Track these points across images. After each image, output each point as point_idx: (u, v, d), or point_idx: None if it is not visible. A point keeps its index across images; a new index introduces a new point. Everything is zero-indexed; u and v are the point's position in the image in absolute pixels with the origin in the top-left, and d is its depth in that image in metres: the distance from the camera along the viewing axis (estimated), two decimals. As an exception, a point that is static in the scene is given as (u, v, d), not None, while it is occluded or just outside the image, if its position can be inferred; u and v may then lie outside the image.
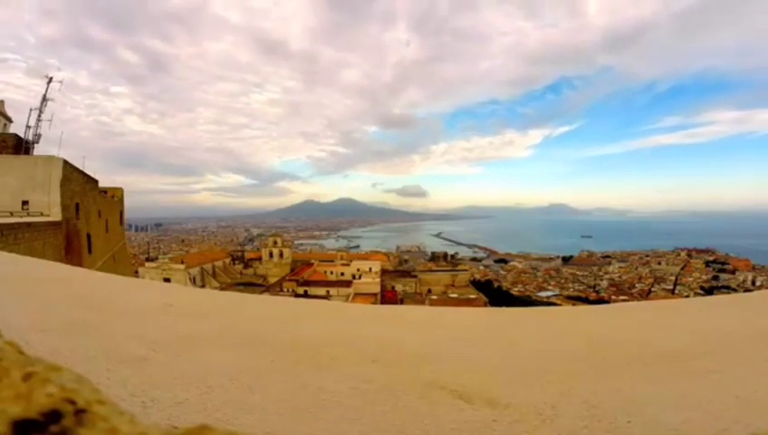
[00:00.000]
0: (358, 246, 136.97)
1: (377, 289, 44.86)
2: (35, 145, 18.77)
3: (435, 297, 45.07)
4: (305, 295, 39.20)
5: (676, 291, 66.31)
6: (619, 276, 79.23)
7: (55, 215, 14.32)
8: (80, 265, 14.01)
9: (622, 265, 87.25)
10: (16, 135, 18.76)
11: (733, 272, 74.03)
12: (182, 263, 55.61)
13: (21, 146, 18.14)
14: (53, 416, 0.34)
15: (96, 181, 21.67)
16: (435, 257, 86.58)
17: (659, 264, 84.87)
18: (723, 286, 64.85)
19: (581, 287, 74.36)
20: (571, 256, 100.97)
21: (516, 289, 70.89)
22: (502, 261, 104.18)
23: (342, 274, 54.44)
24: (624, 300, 49.40)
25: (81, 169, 18.33)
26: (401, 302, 40.59)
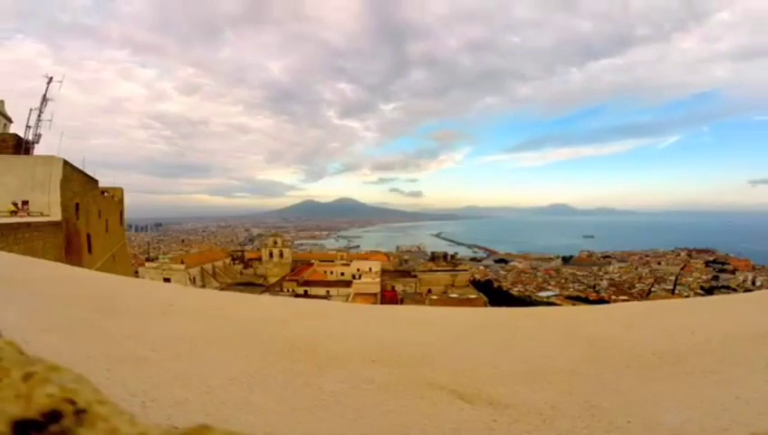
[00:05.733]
0: (358, 247, 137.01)
1: (377, 289, 44.86)
2: (35, 145, 18.78)
3: (435, 297, 45.07)
4: (305, 295, 39.18)
5: (676, 291, 66.31)
6: (619, 276, 79.24)
7: (55, 215, 14.33)
8: (80, 264, 14.01)
9: (622, 265, 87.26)
10: (16, 135, 18.77)
11: (733, 272, 74.00)
12: (182, 263, 55.65)
13: (21, 146, 18.15)
14: (53, 416, 0.34)
15: (96, 181, 21.69)
16: (435, 257, 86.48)
17: (659, 264, 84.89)
18: (723, 286, 64.85)
19: (581, 287, 74.38)
20: (571, 257, 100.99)
21: (516, 289, 70.91)
22: (502, 261, 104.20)
23: (342, 274, 54.44)
24: (624, 300, 49.39)
25: (81, 169, 18.34)
26: (401, 302, 40.58)
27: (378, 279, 48.74)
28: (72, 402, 0.36)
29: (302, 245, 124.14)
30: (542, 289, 72.59)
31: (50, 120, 19.14)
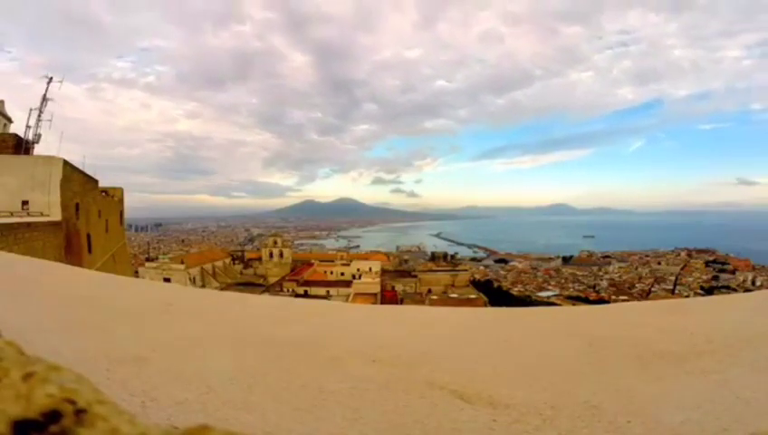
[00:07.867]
0: (358, 247, 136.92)
1: (377, 289, 44.83)
2: (35, 145, 18.79)
3: (435, 297, 45.06)
4: (305, 295, 39.20)
5: (676, 291, 66.25)
6: (620, 276, 79.15)
7: (55, 215, 14.32)
8: (80, 265, 14.01)
9: (622, 265, 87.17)
10: (16, 135, 18.77)
11: (733, 272, 73.93)
12: (182, 263, 55.63)
13: (21, 146, 18.15)
14: (53, 416, 0.34)
15: (96, 181, 21.68)
16: (435, 257, 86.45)
17: (659, 264, 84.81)
18: (723, 286, 64.76)
19: (581, 287, 74.28)
20: (571, 256, 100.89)
21: (516, 289, 70.83)
22: (502, 261, 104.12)
23: (342, 274, 54.46)
24: (624, 300, 49.37)
25: (81, 168, 18.34)
26: (401, 302, 40.57)
27: (378, 279, 48.74)
28: (72, 402, 0.36)
29: (302, 245, 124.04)
30: (542, 289, 72.49)
31: (50, 120, 19.15)
